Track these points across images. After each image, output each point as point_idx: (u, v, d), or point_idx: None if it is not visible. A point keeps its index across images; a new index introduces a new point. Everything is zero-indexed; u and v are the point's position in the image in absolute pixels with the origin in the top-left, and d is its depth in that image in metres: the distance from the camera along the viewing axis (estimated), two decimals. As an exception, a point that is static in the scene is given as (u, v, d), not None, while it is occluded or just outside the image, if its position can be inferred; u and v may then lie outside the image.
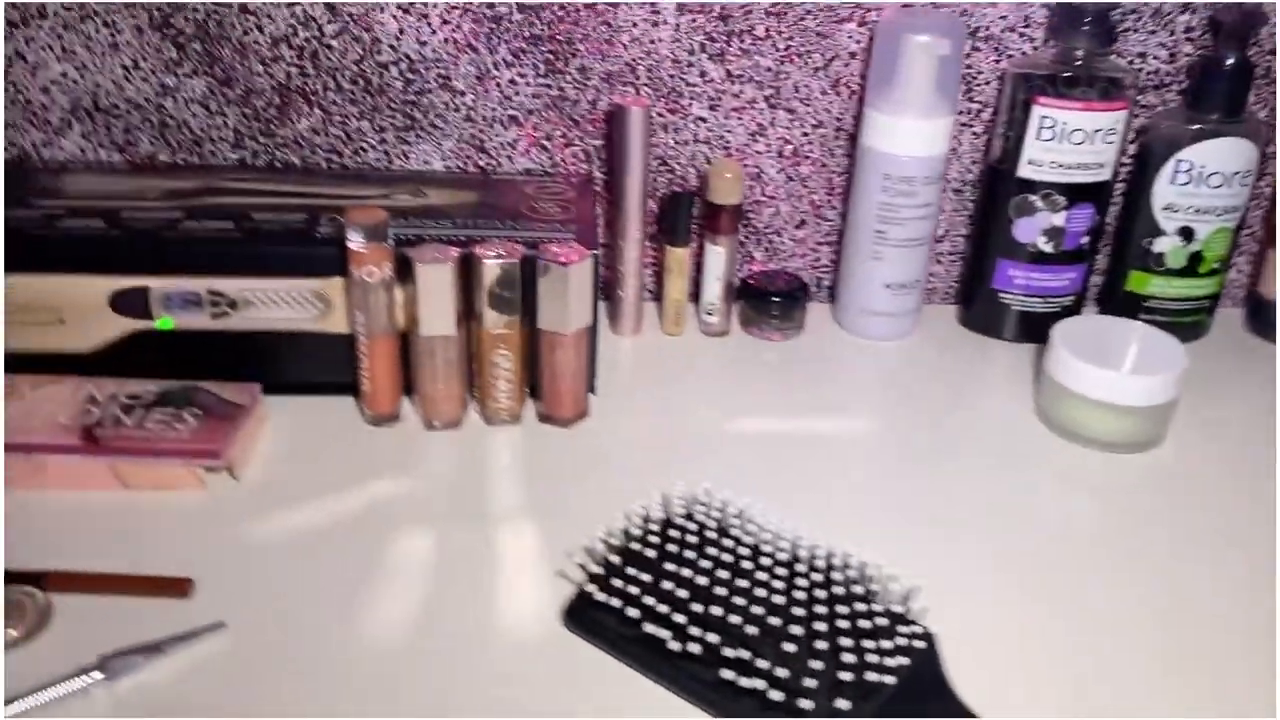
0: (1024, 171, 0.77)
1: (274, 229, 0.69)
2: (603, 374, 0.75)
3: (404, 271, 0.66)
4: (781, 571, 0.53)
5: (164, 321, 0.68)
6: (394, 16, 0.76)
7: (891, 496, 0.65)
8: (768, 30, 0.78)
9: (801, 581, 0.52)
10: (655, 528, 0.55)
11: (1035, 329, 0.81)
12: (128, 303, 0.67)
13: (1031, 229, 0.78)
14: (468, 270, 0.66)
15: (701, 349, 0.81)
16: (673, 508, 0.57)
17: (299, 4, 0.75)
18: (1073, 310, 0.82)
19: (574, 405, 0.69)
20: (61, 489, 0.61)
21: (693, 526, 0.55)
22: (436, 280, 0.64)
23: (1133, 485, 0.67)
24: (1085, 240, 0.79)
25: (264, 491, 0.63)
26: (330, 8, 0.76)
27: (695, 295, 0.83)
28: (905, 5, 0.77)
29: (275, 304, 0.68)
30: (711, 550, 0.54)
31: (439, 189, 0.77)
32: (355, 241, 0.63)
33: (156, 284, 0.67)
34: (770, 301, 0.80)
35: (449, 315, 0.65)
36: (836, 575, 0.53)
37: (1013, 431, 0.72)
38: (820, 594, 0.52)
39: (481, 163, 0.82)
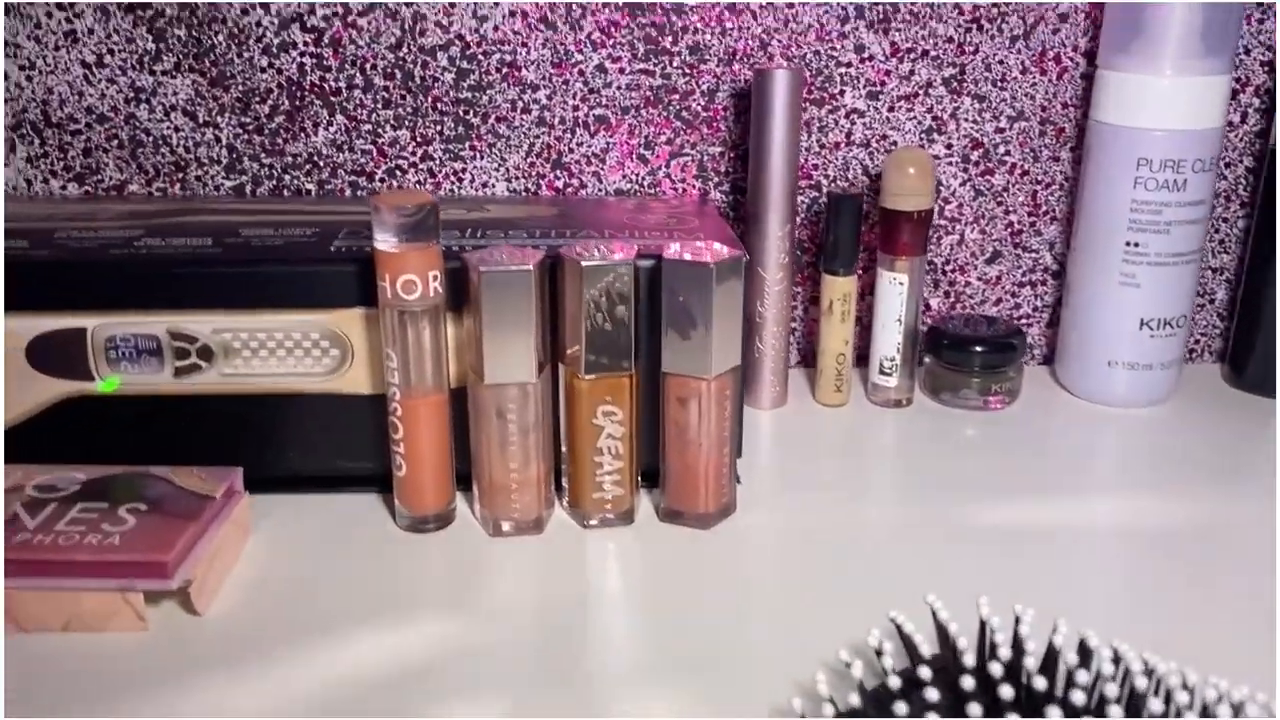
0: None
1: (270, 244, 0.47)
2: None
3: (458, 296, 0.44)
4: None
5: (108, 383, 0.46)
6: (443, -17, 0.56)
7: (1217, 605, 0.40)
8: (948, -15, 0.57)
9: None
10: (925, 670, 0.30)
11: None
12: (54, 354, 0.45)
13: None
14: (554, 286, 0.44)
15: (873, 424, 0.57)
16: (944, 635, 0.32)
17: (316, -31, 0.56)
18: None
19: (715, 493, 0.45)
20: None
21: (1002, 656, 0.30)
22: (511, 296, 0.42)
23: None
24: None
25: (239, 637, 0.39)
26: (358, -27, 0.56)
27: (860, 353, 0.60)
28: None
29: (269, 352, 0.45)
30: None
31: (504, 206, 0.55)
32: (386, 241, 0.41)
33: (96, 324, 0.45)
34: (972, 354, 0.57)
35: (529, 352, 0.42)
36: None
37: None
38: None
39: (559, 183, 0.60)
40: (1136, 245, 0.54)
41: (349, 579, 0.42)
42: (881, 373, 0.57)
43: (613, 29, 0.57)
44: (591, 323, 0.42)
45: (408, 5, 0.56)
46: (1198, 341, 0.65)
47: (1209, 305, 0.64)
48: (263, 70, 0.57)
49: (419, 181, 0.60)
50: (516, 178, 0.60)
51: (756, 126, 0.54)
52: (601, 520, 0.46)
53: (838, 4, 0.57)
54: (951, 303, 0.63)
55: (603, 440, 0.44)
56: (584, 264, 0.42)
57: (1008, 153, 0.61)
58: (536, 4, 0.57)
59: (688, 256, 0.42)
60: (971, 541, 0.45)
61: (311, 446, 0.47)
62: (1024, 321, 0.64)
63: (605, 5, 0.57)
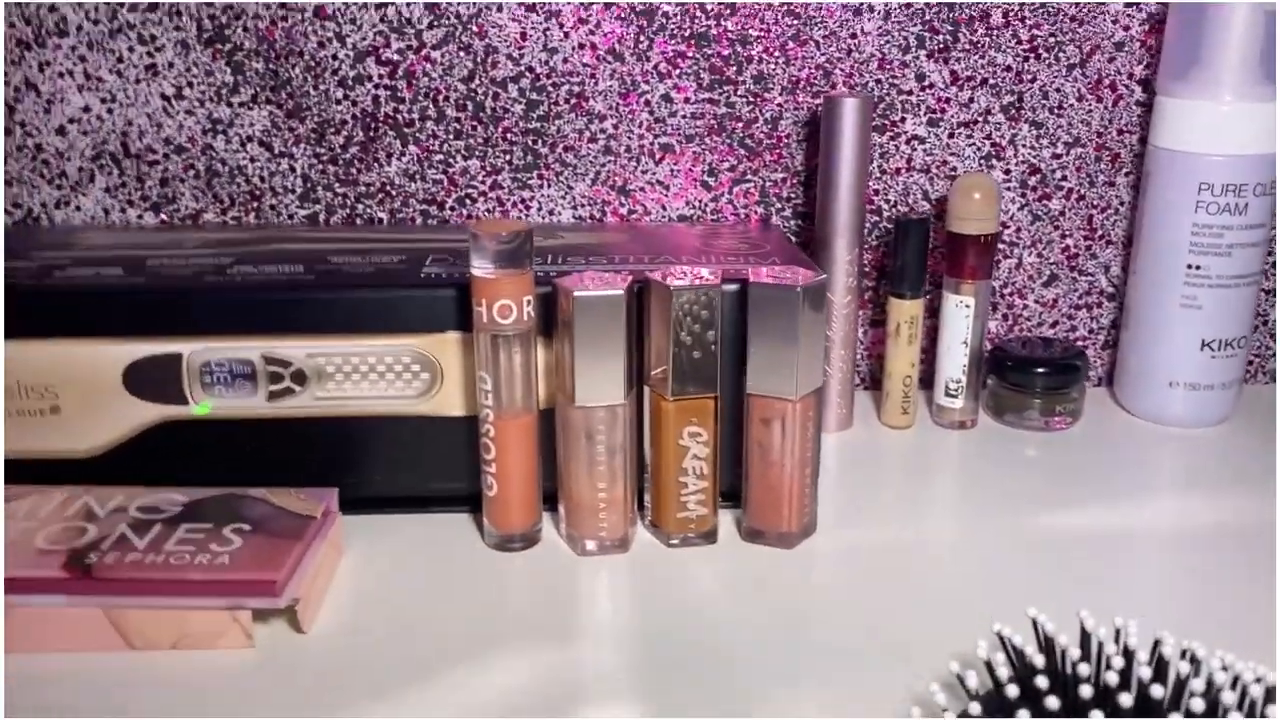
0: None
1: (361, 270, 0.48)
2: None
3: (546, 320, 0.45)
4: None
5: (203, 406, 0.47)
6: (514, 18, 0.58)
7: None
8: (1006, 15, 0.59)
9: None
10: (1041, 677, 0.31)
11: None
12: (150, 379, 0.46)
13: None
14: (641, 310, 0.45)
15: (940, 446, 0.58)
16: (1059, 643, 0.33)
17: (391, 3, 0.57)
18: None
19: (798, 512, 0.46)
20: (34, 650, 0.39)
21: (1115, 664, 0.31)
22: (602, 320, 0.43)
23: None
24: None
25: (342, 655, 0.40)
26: (432, 8, 0.57)
27: (924, 376, 0.61)
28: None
29: (361, 375, 0.47)
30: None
31: (574, 233, 0.57)
32: (483, 267, 0.42)
33: (192, 350, 0.46)
34: (1035, 375, 0.58)
35: (619, 374, 0.43)
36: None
37: None
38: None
39: (624, 209, 0.62)
40: (1198, 268, 0.55)
41: (441, 597, 0.43)
42: (947, 394, 0.58)
43: (679, 59, 0.59)
44: (679, 346, 0.44)
45: (480, 38, 0.58)
46: (1251, 362, 0.66)
47: (1262, 327, 0.65)
48: (338, 102, 0.59)
49: (487, 211, 0.61)
50: (582, 205, 0.61)
51: (825, 152, 0.55)
52: (684, 539, 0.46)
53: (899, 34, 0.59)
54: (1010, 325, 0.64)
55: (688, 461, 0.45)
56: (673, 287, 0.43)
57: (1064, 178, 0.62)
58: (607, 34, 0.58)
59: (773, 280, 0.43)
60: (1048, 552, 0.46)
61: (402, 467, 0.48)
62: (1081, 343, 0.65)
63: (673, 36, 0.58)
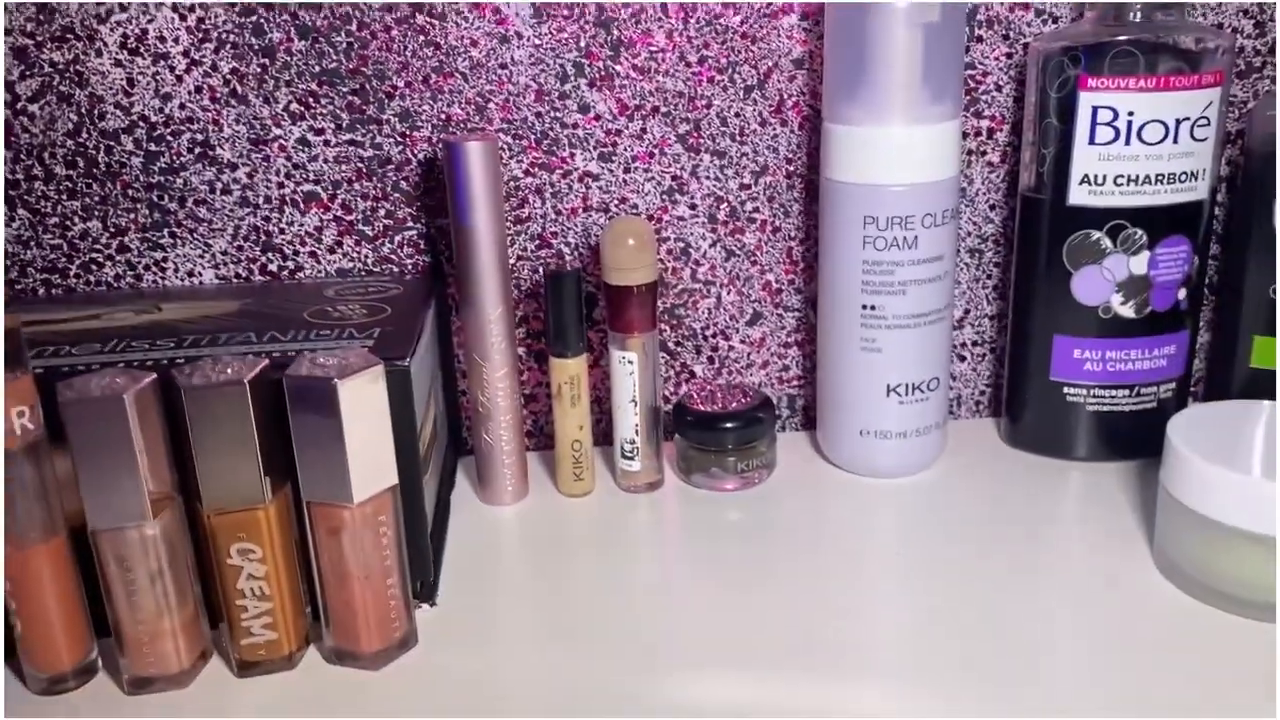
0: (1077, 198, 0.50)
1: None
2: (463, 562, 0.47)
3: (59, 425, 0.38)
4: None
5: None
6: (117, 60, 0.51)
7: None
8: (670, 36, 0.53)
9: None
10: None
11: (1123, 440, 0.53)
12: None
13: (1099, 284, 0.51)
14: (172, 408, 0.39)
15: (622, 512, 0.52)
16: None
17: (-29, 52, 0.50)
18: (1176, 406, 0.54)
19: (380, 629, 0.41)
20: None
21: None
22: (105, 427, 0.37)
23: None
24: (1183, 295, 0.52)
25: None
26: (20, 54, 0.51)
27: (607, 437, 0.56)
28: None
29: None
30: None
31: (189, 302, 0.50)
32: (-44, 376, 0.36)
33: None
34: (720, 431, 0.53)
35: (134, 492, 0.37)
36: None
37: (1128, 597, 0.43)
38: None
39: (273, 266, 0.55)
40: (873, 308, 0.50)
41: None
42: (624, 456, 0.53)
43: (313, 99, 0.53)
44: (207, 452, 0.37)
45: (80, 87, 0.51)
46: (983, 392, 0.61)
47: (989, 357, 0.60)
48: (-75, 165, 0.52)
49: (118, 275, 0.55)
50: (225, 264, 0.55)
51: (452, 203, 0.49)
52: (256, 669, 0.40)
53: (554, 62, 0.53)
54: (717, 368, 0.59)
55: (243, 582, 0.39)
56: (183, 386, 0.37)
57: (756, 210, 0.57)
58: (225, 75, 0.52)
59: (307, 373, 0.38)
60: (713, 670, 0.41)
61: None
62: (793, 384, 0.60)
63: (302, 74, 0.52)
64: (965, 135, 0.56)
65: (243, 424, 0.37)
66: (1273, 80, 0.56)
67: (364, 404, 0.38)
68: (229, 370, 0.38)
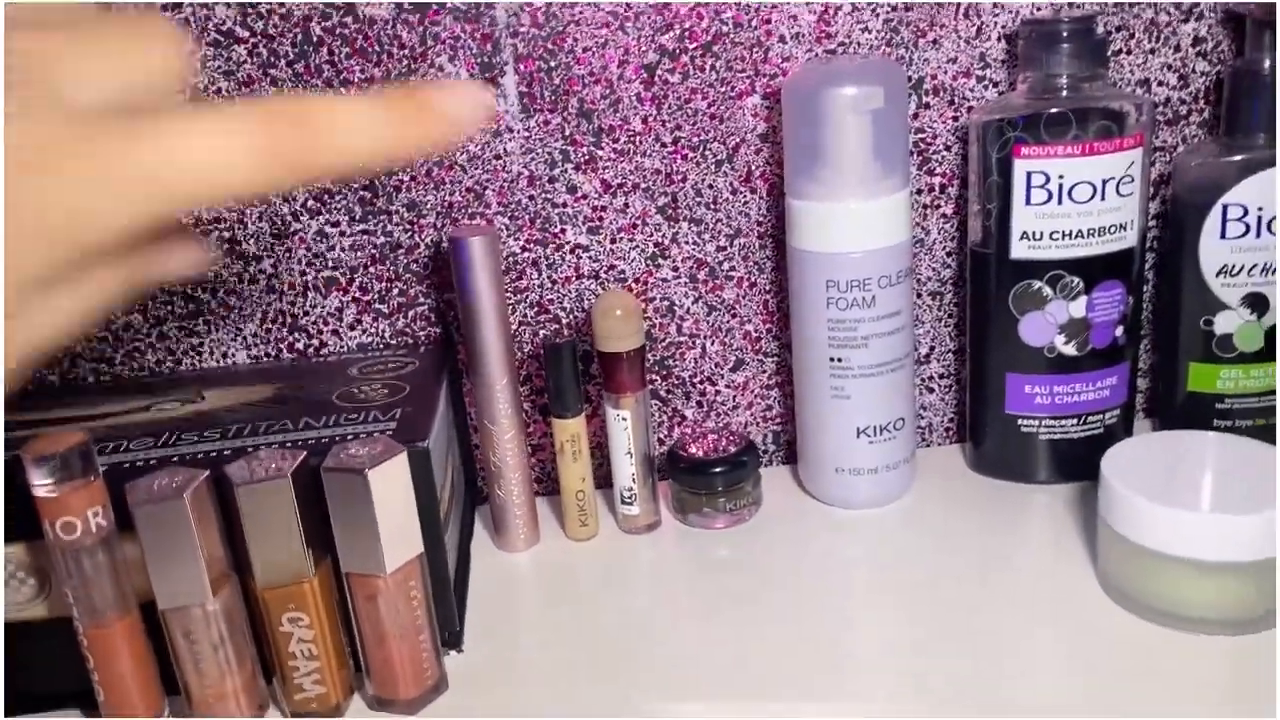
0: (1018, 252, 0.56)
1: (-38, 479, 0.48)
2: (485, 608, 0.53)
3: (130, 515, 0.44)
4: None
5: None
6: (150, 171, 0.57)
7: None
8: (645, 121, 0.59)
9: None
10: None
11: (1075, 463, 0.59)
12: None
13: (1043, 327, 0.57)
14: (226, 500, 0.45)
15: (622, 554, 0.58)
16: None
17: (20, 172, 0.56)
18: (1123, 429, 0.59)
19: (415, 678, 0.47)
20: None
21: None
22: (165, 526, 0.42)
23: (1240, 690, 0.43)
24: (1120, 332, 0.57)
25: None
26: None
27: (610, 480, 0.61)
28: (819, 56, 0.58)
29: (-34, 588, 0.46)
30: None
31: (228, 388, 0.56)
32: (41, 485, 0.42)
33: None
34: (708, 475, 0.58)
35: (195, 576, 0.43)
36: None
37: (1077, 616, 0.49)
38: None
39: (300, 344, 0.61)
40: (840, 360, 0.56)
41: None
42: (624, 502, 0.59)
43: (328, 195, 0.59)
44: (258, 538, 0.43)
45: (118, 197, 0.57)
46: (951, 419, 0.67)
47: (955, 388, 0.66)
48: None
49: (158, 360, 0.61)
50: (255, 344, 0.61)
51: (461, 292, 0.55)
52: (309, 716, 0.46)
53: (543, 151, 0.59)
54: (705, 412, 0.65)
55: (294, 645, 0.45)
56: (235, 483, 0.43)
57: (733, 268, 0.62)
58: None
59: (339, 466, 0.43)
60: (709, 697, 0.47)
61: (20, 671, 0.48)
62: (776, 422, 0.65)
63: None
64: (919, 191, 0.61)
65: (288, 512, 0.43)
66: (1199, 126, 0.61)
67: (391, 485, 0.44)
68: (273, 465, 0.44)
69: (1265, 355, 0.58)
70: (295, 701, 0.46)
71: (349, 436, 0.47)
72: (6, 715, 0.48)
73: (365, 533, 0.44)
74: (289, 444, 0.47)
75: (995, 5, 0.58)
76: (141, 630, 0.45)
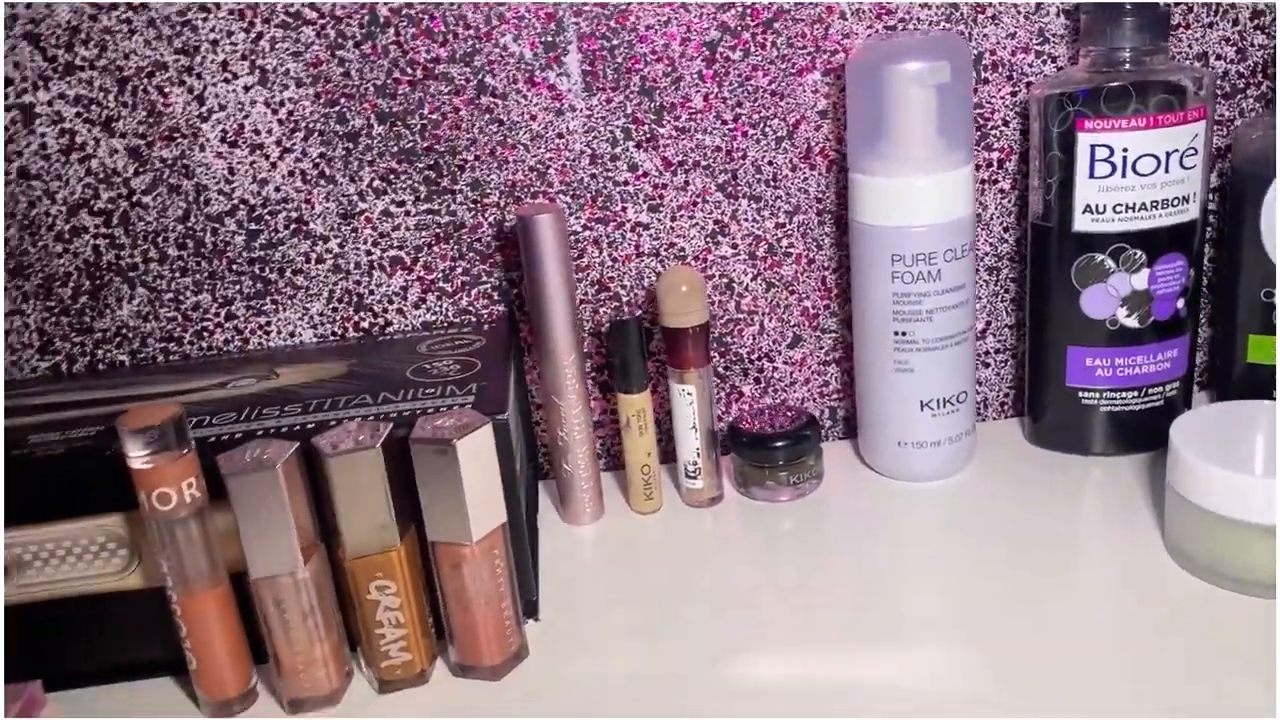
0: (1081, 225, 0.56)
1: (52, 453, 0.49)
2: (555, 581, 0.54)
3: (220, 487, 0.45)
4: None
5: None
6: (218, 154, 0.58)
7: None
8: (706, 98, 0.59)
9: None
10: None
11: (1134, 435, 0.59)
12: None
13: (1105, 300, 0.57)
14: (313, 471, 0.45)
15: (687, 526, 0.59)
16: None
17: (94, 158, 0.57)
18: (1182, 401, 0.60)
19: (499, 645, 0.47)
20: None
21: None
22: (261, 495, 0.43)
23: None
24: (1181, 304, 0.58)
25: None
26: (135, 154, 0.57)
27: (670, 455, 0.62)
28: (880, 32, 0.59)
29: (60, 560, 0.47)
30: None
31: (299, 365, 0.57)
32: (137, 457, 0.43)
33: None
34: (771, 449, 0.59)
35: (287, 545, 0.44)
36: None
37: (1145, 581, 0.50)
38: None
39: (365, 323, 0.62)
40: (904, 334, 0.56)
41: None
42: (688, 476, 0.60)
43: (393, 176, 0.59)
44: (347, 508, 0.44)
45: (188, 178, 0.58)
46: (1007, 395, 0.67)
47: (1011, 363, 0.67)
48: (59, 256, 0.59)
49: (226, 340, 0.62)
50: (321, 323, 0.62)
51: (529, 270, 0.56)
52: (394, 685, 0.47)
53: (605, 129, 0.59)
54: (763, 388, 0.66)
55: (381, 613, 0.46)
56: (325, 454, 0.44)
57: (791, 245, 0.63)
58: (313, 160, 0.58)
59: (429, 436, 0.44)
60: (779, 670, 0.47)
61: (111, 641, 0.49)
62: (834, 397, 0.66)
63: (382, 154, 0.59)
64: (977, 167, 0.61)
65: (377, 483, 0.44)
66: (1256, 100, 0.62)
67: (477, 456, 0.45)
68: (361, 437, 0.45)
69: (1325, 326, 0.58)
70: (381, 669, 0.47)
71: (429, 410, 0.48)
72: (101, 682, 0.49)
73: (452, 502, 0.45)
74: (373, 417, 0.48)
75: (1055, -20, 0.59)
76: (232, 600, 0.46)
